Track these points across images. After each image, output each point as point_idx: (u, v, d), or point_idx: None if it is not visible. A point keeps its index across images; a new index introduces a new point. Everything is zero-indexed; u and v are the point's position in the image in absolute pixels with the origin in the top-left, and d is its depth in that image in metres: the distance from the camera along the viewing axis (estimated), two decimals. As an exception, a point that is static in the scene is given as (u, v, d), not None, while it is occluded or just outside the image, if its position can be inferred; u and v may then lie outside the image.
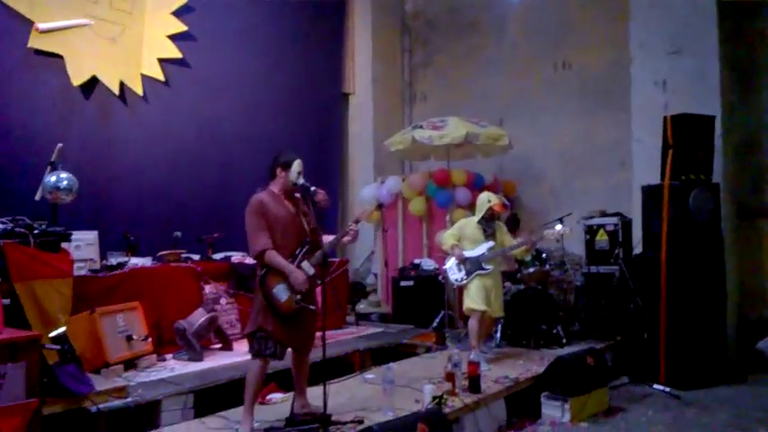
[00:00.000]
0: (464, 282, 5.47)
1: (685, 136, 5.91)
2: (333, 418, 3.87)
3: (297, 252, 3.87)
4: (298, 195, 4.03)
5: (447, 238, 5.63)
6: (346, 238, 4.00)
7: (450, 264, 5.58)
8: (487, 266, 5.41)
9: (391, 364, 4.77)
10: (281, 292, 3.77)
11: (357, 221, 4.15)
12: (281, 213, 3.88)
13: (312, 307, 3.91)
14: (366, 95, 9.42)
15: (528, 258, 6.47)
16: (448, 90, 9.45)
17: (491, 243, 5.48)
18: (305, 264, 3.87)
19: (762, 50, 6.75)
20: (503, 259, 5.89)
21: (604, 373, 5.09)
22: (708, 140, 6.04)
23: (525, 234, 6.26)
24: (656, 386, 5.54)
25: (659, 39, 6.75)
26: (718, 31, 6.42)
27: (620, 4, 7.29)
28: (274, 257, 3.76)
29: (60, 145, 4.83)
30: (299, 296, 3.80)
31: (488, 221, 5.51)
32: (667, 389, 5.45)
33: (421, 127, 7.83)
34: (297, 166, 3.93)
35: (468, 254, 5.46)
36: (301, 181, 3.93)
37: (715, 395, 5.41)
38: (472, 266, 5.43)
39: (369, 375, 5.12)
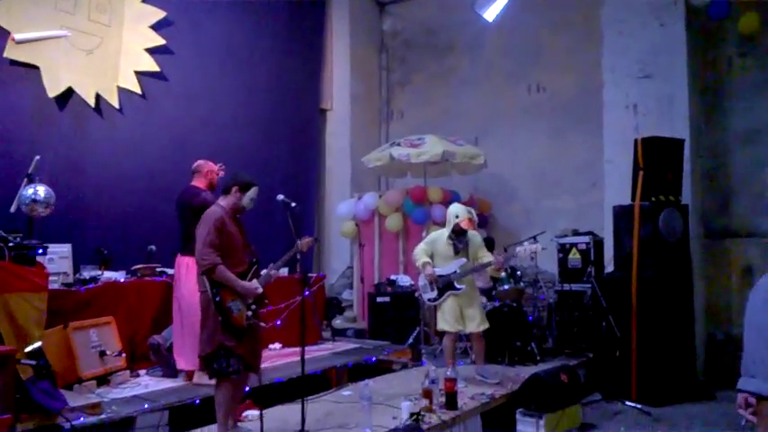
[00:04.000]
0: (437, 302, 5.40)
1: (655, 158, 6.07)
2: (311, 435, 3.86)
3: (246, 270, 3.92)
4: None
5: (419, 254, 5.45)
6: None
7: (424, 282, 5.46)
8: (460, 285, 5.29)
9: (368, 381, 4.80)
10: (233, 306, 3.77)
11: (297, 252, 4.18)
12: (233, 231, 3.91)
13: (262, 324, 3.99)
14: (344, 112, 9.46)
15: (503, 276, 6.56)
16: (424, 108, 9.54)
17: (463, 260, 5.36)
18: (254, 281, 3.90)
19: (729, 76, 6.97)
20: (478, 274, 5.76)
21: (578, 390, 5.16)
22: (677, 163, 6.22)
23: (495, 254, 6.25)
24: (627, 403, 5.63)
25: (630, 64, 6.91)
26: (687, 57, 6.63)
27: (591, 30, 7.46)
28: (224, 272, 3.74)
29: (38, 157, 4.77)
30: (249, 312, 3.82)
31: (458, 236, 5.39)
32: (639, 406, 5.55)
33: (398, 144, 7.90)
34: (253, 192, 3.98)
35: (439, 271, 5.34)
36: (251, 205, 4.00)
37: (685, 412, 5.52)
38: (444, 286, 5.32)
39: (346, 392, 5.11)
